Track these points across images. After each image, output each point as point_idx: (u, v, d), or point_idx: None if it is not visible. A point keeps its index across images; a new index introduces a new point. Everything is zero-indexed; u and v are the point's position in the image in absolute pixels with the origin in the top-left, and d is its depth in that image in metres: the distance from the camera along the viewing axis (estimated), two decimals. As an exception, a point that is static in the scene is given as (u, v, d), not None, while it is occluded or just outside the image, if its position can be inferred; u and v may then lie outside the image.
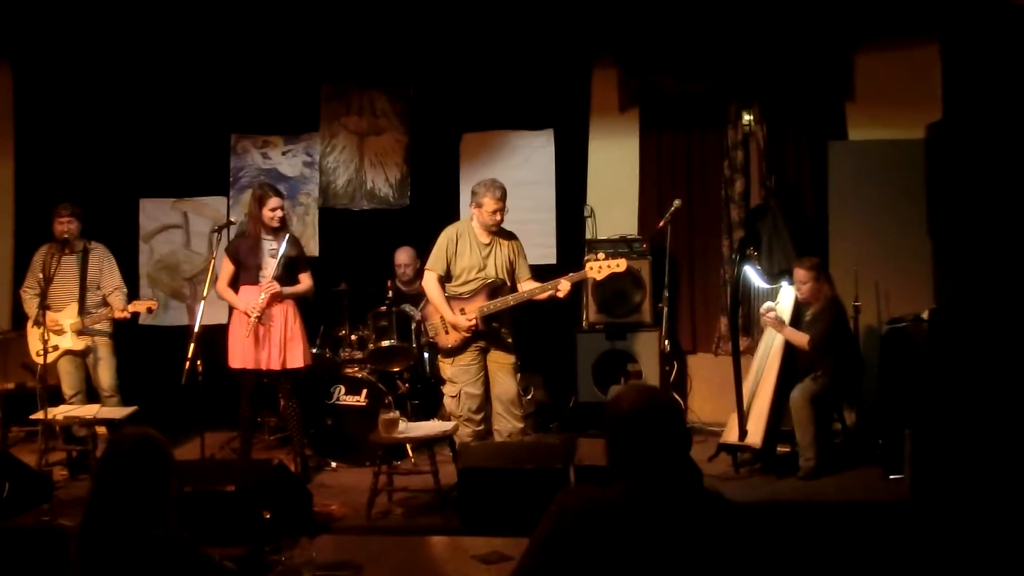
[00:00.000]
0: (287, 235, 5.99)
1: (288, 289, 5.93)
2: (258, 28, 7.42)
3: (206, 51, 7.63)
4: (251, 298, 5.86)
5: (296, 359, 5.94)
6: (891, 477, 5.49)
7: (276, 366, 5.88)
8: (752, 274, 5.95)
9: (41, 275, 6.24)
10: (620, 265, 5.67)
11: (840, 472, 5.74)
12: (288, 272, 5.96)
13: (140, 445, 2.67)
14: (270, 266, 5.91)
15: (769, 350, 6.00)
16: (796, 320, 5.96)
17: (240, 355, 5.87)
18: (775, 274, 6.17)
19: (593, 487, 2.42)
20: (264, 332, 5.86)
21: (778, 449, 5.93)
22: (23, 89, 7.95)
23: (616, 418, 2.44)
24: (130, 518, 2.54)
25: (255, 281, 5.89)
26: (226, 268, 5.99)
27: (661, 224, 6.17)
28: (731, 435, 5.86)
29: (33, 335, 6.38)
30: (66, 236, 6.34)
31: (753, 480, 5.78)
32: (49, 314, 6.01)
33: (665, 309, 6.13)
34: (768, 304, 5.98)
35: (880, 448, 5.75)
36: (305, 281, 6.05)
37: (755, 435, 5.75)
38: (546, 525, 2.34)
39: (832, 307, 5.79)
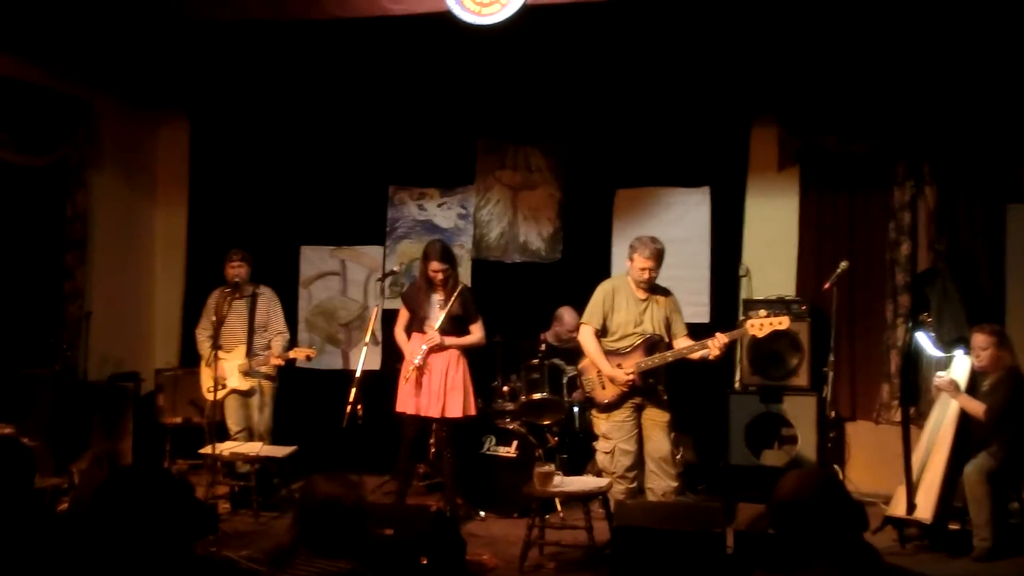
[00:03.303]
0: (459, 288, 6.10)
1: (451, 340, 6.03)
2: (417, 85, 7.62)
3: (367, 106, 7.88)
4: (416, 346, 5.97)
5: (455, 408, 6.00)
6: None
7: (435, 414, 5.97)
8: (924, 341, 5.70)
9: (214, 318, 6.51)
10: (783, 322, 5.55)
11: (1018, 555, 5.38)
12: (455, 324, 6.08)
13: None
14: (436, 317, 6.04)
15: (942, 420, 5.71)
16: (972, 391, 5.65)
17: (402, 400, 5.99)
18: (948, 342, 5.89)
19: None
20: (425, 380, 5.95)
21: (949, 526, 5.62)
22: (198, 141, 8.40)
23: (780, 506, 2.39)
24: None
25: (422, 330, 6.03)
26: (402, 314, 6.19)
27: (827, 286, 6.04)
28: (898, 508, 5.58)
29: (206, 373, 6.65)
30: (236, 280, 6.61)
31: (920, 557, 5.47)
32: (219, 354, 6.25)
33: (830, 374, 5.93)
34: (942, 373, 5.71)
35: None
36: (475, 332, 6.16)
37: (925, 509, 5.47)
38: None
39: (1012, 377, 5.48)
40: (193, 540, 2.56)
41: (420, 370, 5.93)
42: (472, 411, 6.13)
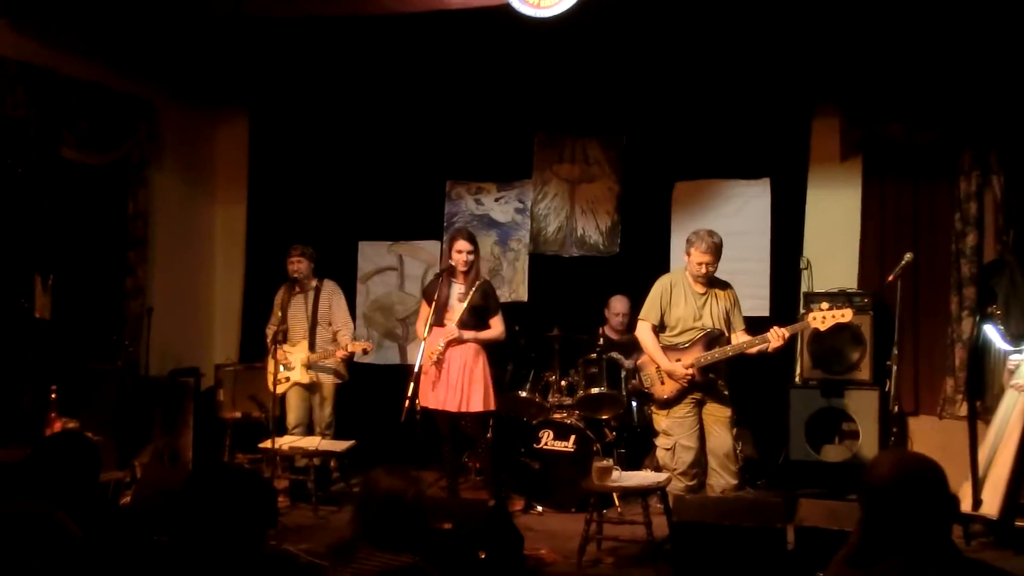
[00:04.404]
0: (479, 282, 6.05)
1: (470, 334, 6.00)
2: (474, 78, 7.65)
3: (424, 101, 7.92)
4: (434, 340, 5.98)
5: (476, 403, 5.97)
6: None
7: (452, 407, 5.95)
8: (992, 333, 5.59)
9: (280, 313, 6.60)
10: (845, 315, 5.47)
11: (1088, 553, 5.26)
12: (475, 317, 6.03)
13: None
14: (456, 309, 6.01)
15: (1009, 414, 5.59)
16: (1041, 384, 5.54)
17: (424, 395, 5.99)
18: (1017, 335, 5.76)
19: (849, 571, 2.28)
20: (443, 374, 5.96)
21: (1016, 522, 5.50)
22: (257, 136, 8.50)
23: (876, 488, 2.30)
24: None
25: (442, 323, 6.01)
26: (423, 309, 6.19)
27: (891, 278, 5.93)
28: (964, 504, 5.47)
29: (271, 367, 6.74)
30: (296, 275, 6.69)
31: (986, 555, 5.33)
32: (284, 348, 6.33)
33: (894, 368, 5.84)
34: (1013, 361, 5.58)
35: None
36: (495, 327, 6.11)
37: (991, 505, 5.36)
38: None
39: (1084, 372, 5.36)
40: (265, 534, 2.60)
41: (439, 364, 5.92)
42: (492, 406, 6.09)
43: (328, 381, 6.80)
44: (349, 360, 6.86)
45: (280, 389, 6.55)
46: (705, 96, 7.41)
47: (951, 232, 6.94)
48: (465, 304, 5.99)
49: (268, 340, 6.92)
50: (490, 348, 6.16)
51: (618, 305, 7.15)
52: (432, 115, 7.96)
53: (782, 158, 7.41)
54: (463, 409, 5.96)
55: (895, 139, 7.04)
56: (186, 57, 7.62)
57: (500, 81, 7.62)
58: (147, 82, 7.52)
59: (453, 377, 5.96)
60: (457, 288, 6.06)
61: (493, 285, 6.35)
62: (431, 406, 5.99)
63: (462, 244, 6.02)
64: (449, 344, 5.96)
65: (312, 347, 6.72)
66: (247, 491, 2.52)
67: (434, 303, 6.02)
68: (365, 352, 6.76)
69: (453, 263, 6.02)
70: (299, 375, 6.67)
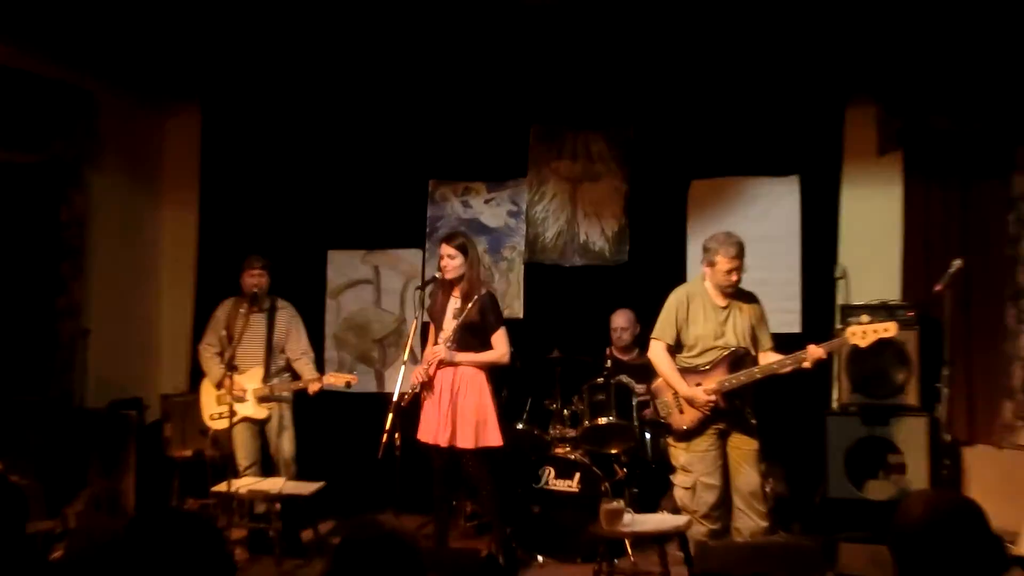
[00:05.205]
0: (478, 296, 5.95)
1: (463, 355, 5.90)
2: (460, 64, 7.59)
3: (403, 91, 7.87)
4: (423, 362, 5.94)
5: (466, 437, 5.84)
6: None
7: (443, 442, 5.85)
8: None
9: (225, 332, 6.48)
10: (888, 329, 5.43)
11: None
12: (472, 335, 5.93)
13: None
14: (450, 327, 5.93)
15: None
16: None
17: (422, 426, 5.92)
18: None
19: None
20: (433, 402, 5.88)
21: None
22: (211, 131, 8.44)
23: (907, 533, 2.30)
24: None
25: (437, 342, 5.96)
26: (431, 329, 6.10)
27: (939, 288, 5.90)
28: (1028, 547, 5.42)
29: (208, 396, 6.66)
30: (255, 291, 6.58)
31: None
32: (233, 376, 6.22)
33: (944, 391, 5.78)
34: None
35: None
36: (498, 346, 5.98)
37: (1061, 548, 5.29)
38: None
39: None
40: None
41: (426, 390, 5.85)
42: (493, 441, 5.92)
43: (286, 408, 6.68)
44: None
45: (219, 425, 6.43)
46: (725, 83, 7.38)
47: (1005, 235, 6.91)
48: (460, 320, 5.89)
49: (204, 362, 6.80)
50: (492, 372, 6.03)
51: (618, 319, 7.14)
52: (412, 105, 7.91)
53: (813, 153, 7.39)
54: (457, 444, 5.85)
55: (940, 131, 7.01)
56: (130, 42, 7.51)
57: (490, 66, 7.56)
58: (85, 70, 7.43)
59: (444, 406, 5.86)
60: (453, 302, 5.98)
61: (495, 297, 6.20)
62: (425, 439, 5.90)
63: (443, 248, 5.98)
64: (439, 366, 5.86)
65: (267, 376, 6.60)
66: (198, 543, 2.46)
67: (434, 318, 6.01)
68: (349, 385, 6.61)
69: (441, 267, 5.98)
70: (251, 409, 6.54)
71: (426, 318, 6.15)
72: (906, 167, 7.23)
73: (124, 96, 7.96)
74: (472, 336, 5.93)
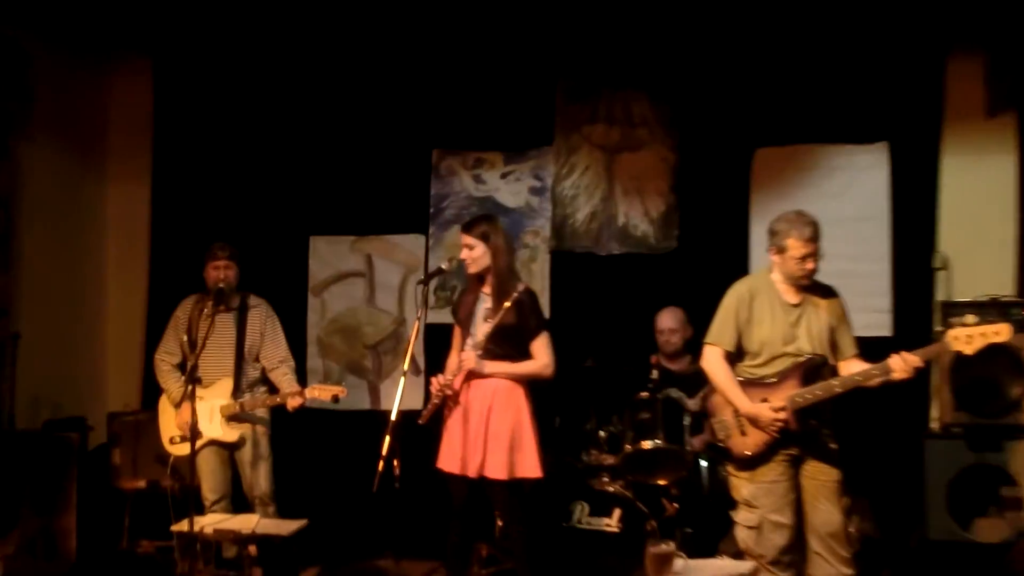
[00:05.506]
0: (516, 294, 5.89)
1: (494, 366, 5.86)
2: (471, 9, 7.62)
3: (400, 44, 7.90)
4: (447, 374, 5.95)
5: (497, 467, 5.78)
6: None
7: (472, 472, 5.82)
8: None
9: (186, 338, 6.48)
10: (1000, 333, 5.36)
11: None
12: (508, 342, 5.90)
13: None
14: (481, 331, 5.91)
15: None
16: None
17: (444, 452, 5.92)
18: None
19: None
20: (459, 424, 5.86)
21: None
22: (165, 94, 8.48)
23: None
24: None
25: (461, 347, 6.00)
26: (454, 335, 6.13)
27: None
28: None
29: (167, 416, 6.70)
30: (221, 286, 6.59)
31: None
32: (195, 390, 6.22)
33: (1072, 408, 5.78)
34: None
35: None
36: (540, 355, 5.95)
37: None
38: None
39: None
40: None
41: (450, 408, 5.86)
42: (531, 471, 5.85)
43: (262, 432, 6.68)
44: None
45: (180, 451, 6.42)
46: (796, 28, 7.41)
47: None
48: (494, 323, 5.83)
49: (161, 375, 6.82)
50: (531, 388, 5.98)
51: (664, 320, 7.16)
52: (411, 61, 7.95)
53: (905, 115, 7.43)
54: (488, 475, 5.80)
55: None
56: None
57: (507, 12, 7.58)
58: (14, 21, 7.43)
59: (473, 430, 5.83)
60: (484, 300, 5.97)
61: (535, 296, 6.15)
62: (450, 469, 5.88)
63: (463, 238, 5.98)
64: (468, 378, 5.85)
65: (237, 390, 6.60)
66: None
67: (460, 321, 6.03)
68: (336, 399, 6.59)
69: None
70: (218, 430, 6.55)
71: (430, 319, 6.12)
72: (1022, 131, 7.25)
73: (62, 51, 7.98)
74: (510, 343, 5.90)
